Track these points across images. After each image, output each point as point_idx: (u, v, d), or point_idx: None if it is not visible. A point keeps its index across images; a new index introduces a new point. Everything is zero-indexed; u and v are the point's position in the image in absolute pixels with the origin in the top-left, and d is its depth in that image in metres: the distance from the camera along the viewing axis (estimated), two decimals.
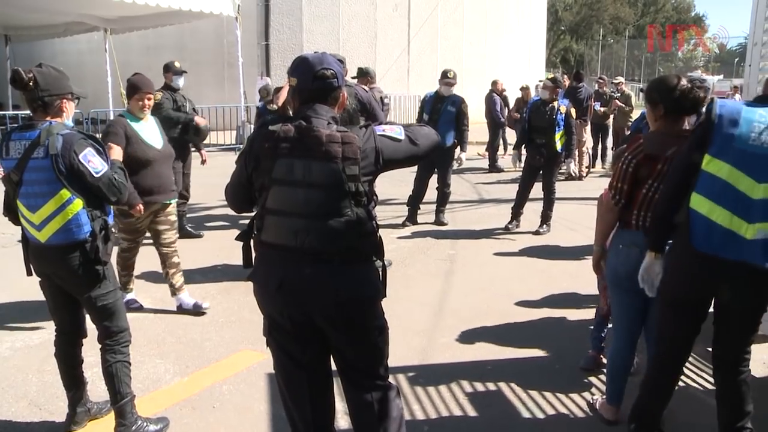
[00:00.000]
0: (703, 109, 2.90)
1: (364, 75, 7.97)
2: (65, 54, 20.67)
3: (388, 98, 7.50)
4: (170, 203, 5.12)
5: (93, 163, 3.05)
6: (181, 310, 5.15)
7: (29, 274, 3.27)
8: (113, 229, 3.23)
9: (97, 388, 3.63)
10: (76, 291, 3.21)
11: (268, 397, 3.80)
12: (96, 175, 3.05)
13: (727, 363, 2.94)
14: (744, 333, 2.91)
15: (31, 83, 3.03)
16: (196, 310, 5.12)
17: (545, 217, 7.97)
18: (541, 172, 7.96)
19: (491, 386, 3.96)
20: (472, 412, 3.63)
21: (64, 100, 3.14)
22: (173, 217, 5.22)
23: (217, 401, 3.77)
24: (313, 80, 2.47)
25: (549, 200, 7.93)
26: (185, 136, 7.34)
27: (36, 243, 3.13)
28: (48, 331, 4.30)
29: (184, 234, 7.41)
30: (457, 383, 3.99)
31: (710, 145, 2.67)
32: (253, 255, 2.59)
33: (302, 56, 2.54)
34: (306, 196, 2.39)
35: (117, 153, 3.45)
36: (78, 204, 3.04)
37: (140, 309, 5.14)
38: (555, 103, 7.77)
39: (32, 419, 3.57)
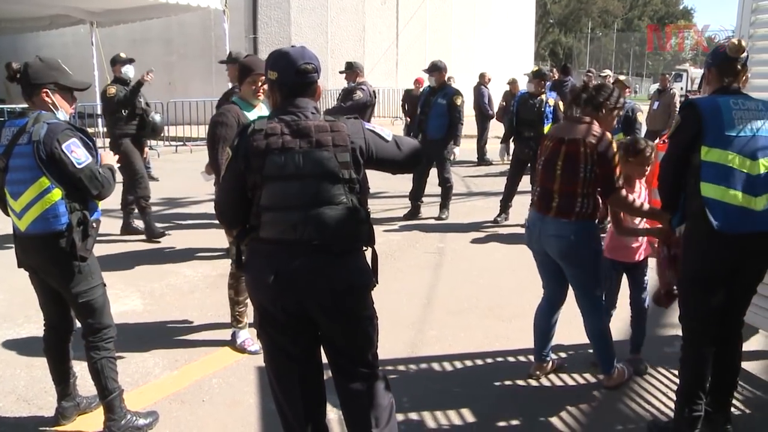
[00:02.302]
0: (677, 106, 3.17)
1: (351, 69, 7.93)
2: (51, 47, 20.48)
3: (364, 92, 7.56)
4: None
5: (76, 153, 3.02)
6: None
7: (19, 265, 3.26)
8: (93, 224, 3.19)
9: (86, 383, 3.61)
10: (58, 285, 3.19)
11: (257, 390, 3.80)
12: (78, 166, 3.01)
13: (731, 326, 3.19)
14: (750, 295, 3.20)
15: (17, 75, 3.08)
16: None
17: None
18: (529, 165, 7.98)
19: (481, 378, 3.98)
20: (461, 405, 3.64)
21: (45, 91, 3.10)
22: None
23: (207, 395, 3.77)
24: (296, 74, 2.49)
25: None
26: (141, 132, 7.23)
27: (18, 233, 3.13)
28: (37, 325, 4.28)
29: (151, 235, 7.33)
30: (447, 375, 4.02)
31: (704, 137, 2.93)
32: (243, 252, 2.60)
33: (282, 50, 2.55)
34: (300, 187, 2.40)
35: (109, 159, 3.40)
36: (57, 194, 3.01)
37: (257, 353, 4.20)
38: (543, 96, 7.79)
39: (21, 414, 3.56)
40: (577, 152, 3.42)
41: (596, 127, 3.44)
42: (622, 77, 7.20)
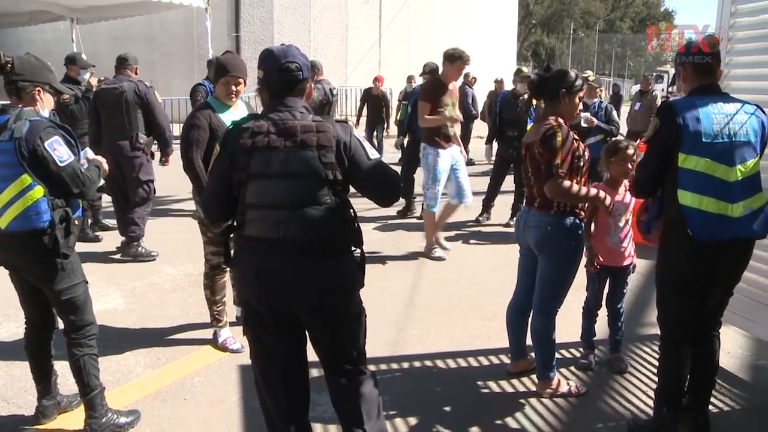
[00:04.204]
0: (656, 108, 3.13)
1: (312, 68, 8.02)
2: (30, 43, 20.25)
3: (336, 90, 7.76)
4: None
5: (58, 151, 3.00)
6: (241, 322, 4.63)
7: None
8: (75, 222, 3.17)
9: (66, 381, 3.59)
10: (40, 283, 3.16)
11: (240, 388, 3.80)
12: (60, 164, 3.00)
13: (708, 326, 3.23)
14: (726, 297, 3.22)
15: (8, 66, 3.04)
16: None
17: (516, 210, 8.04)
18: (512, 165, 8.02)
19: (462, 377, 4.01)
20: (442, 403, 3.66)
21: (38, 89, 3.11)
22: None
23: (189, 393, 3.76)
24: (278, 73, 2.51)
25: (520, 192, 7.98)
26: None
27: None
28: (17, 324, 4.24)
29: (101, 227, 7.48)
30: (428, 374, 4.03)
31: (681, 144, 2.93)
32: (232, 249, 2.62)
33: (268, 49, 2.58)
34: (285, 187, 2.42)
35: (99, 156, 3.41)
36: (38, 191, 2.98)
37: (239, 351, 4.23)
38: (525, 96, 7.84)
39: (0, 413, 3.52)
40: (534, 155, 3.47)
41: (546, 123, 3.43)
42: (590, 76, 7.21)
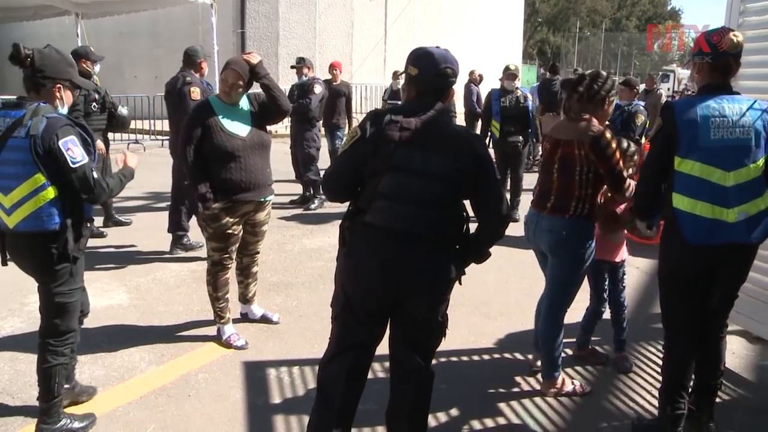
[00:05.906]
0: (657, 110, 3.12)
1: (303, 63, 8.51)
2: (35, 38, 20.20)
3: (322, 86, 8.43)
4: (265, 201, 4.33)
5: (72, 152, 2.89)
6: (246, 319, 4.72)
7: (4, 264, 3.14)
8: (87, 224, 3.11)
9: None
10: (42, 282, 3.07)
11: (244, 385, 3.80)
12: (72, 166, 2.89)
13: (713, 327, 3.21)
14: (730, 299, 3.20)
15: (27, 60, 2.96)
16: (264, 321, 4.70)
17: (514, 205, 8.08)
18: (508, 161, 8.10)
19: (466, 376, 4.00)
20: (446, 402, 3.65)
21: (59, 86, 3.02)
22: (266, 227, 4.50)
23: (193, 389, 3.76)
24: (435, 76, 2.59)
25: (517, 188, 8.15)
26: (109, 126, 7.09)
27: (5, 229, 2.98)
28: (20, 319, 4.26)
29: (114, 222, 7.54)
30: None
31: (678, 147, 2.91)
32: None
33: (426, 50, 2.64)
34: (422, 185, 2.52)
35: (132, 161, 3.38)
36: (51, 192, 2.90)
37: (244, 347, 4.28)
38: (518, 92, 7.92)
39: (5, 408, 3.53)
40: (572, 154, 3.40)
41: (592, 126, 3.37)
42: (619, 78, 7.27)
